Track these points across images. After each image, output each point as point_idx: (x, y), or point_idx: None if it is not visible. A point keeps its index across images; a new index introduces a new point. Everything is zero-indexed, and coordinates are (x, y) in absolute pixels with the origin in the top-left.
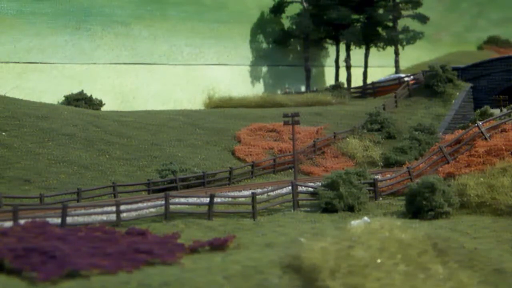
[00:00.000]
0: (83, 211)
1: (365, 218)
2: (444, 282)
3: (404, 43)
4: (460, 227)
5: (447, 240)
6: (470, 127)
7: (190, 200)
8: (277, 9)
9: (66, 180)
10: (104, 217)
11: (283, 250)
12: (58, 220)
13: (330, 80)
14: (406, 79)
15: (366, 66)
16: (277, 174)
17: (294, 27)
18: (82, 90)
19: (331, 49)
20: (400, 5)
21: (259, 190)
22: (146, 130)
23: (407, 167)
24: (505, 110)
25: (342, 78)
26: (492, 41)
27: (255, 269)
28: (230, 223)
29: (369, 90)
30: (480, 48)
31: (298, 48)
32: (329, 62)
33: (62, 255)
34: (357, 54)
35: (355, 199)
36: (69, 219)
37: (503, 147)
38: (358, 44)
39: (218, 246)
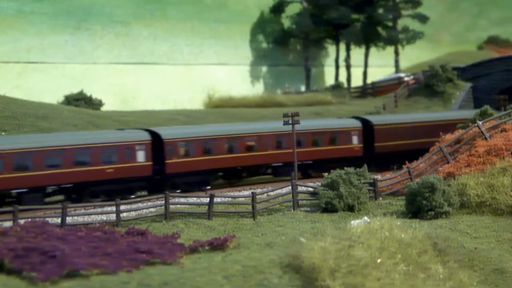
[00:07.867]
0: (83, 211)
1: (365, 218)
2: (444, 282)
3: (404, 43)
4: (460, 227)
5: (447, 240)
6: (470, 127)
7: (190, 200)
8: (277, 9)
9: None
10: (104, 217)
11: (283, 250)
12: (58, 220)
13: (330, 80)
14: (406, 79)
15: (366, 66)
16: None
17: (294, 27)
18: (82, 90)
19: (331, 49)
20: (400, 5)
21: (259, 190)
22: None
23: (407, 167)
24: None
25: (342, 78)
26: (492, 41)
27: (255, 269)
28: (230, 223)
29: (369, 90)
30: (480, 48)
31: (298, 48)
32: (329, 62)
33: (62, 255)
34: (357, 54)
35: (355, 199)
36: (69, 219)
37: (503, 147)
38: (358, 44)
39: (218, 246)
